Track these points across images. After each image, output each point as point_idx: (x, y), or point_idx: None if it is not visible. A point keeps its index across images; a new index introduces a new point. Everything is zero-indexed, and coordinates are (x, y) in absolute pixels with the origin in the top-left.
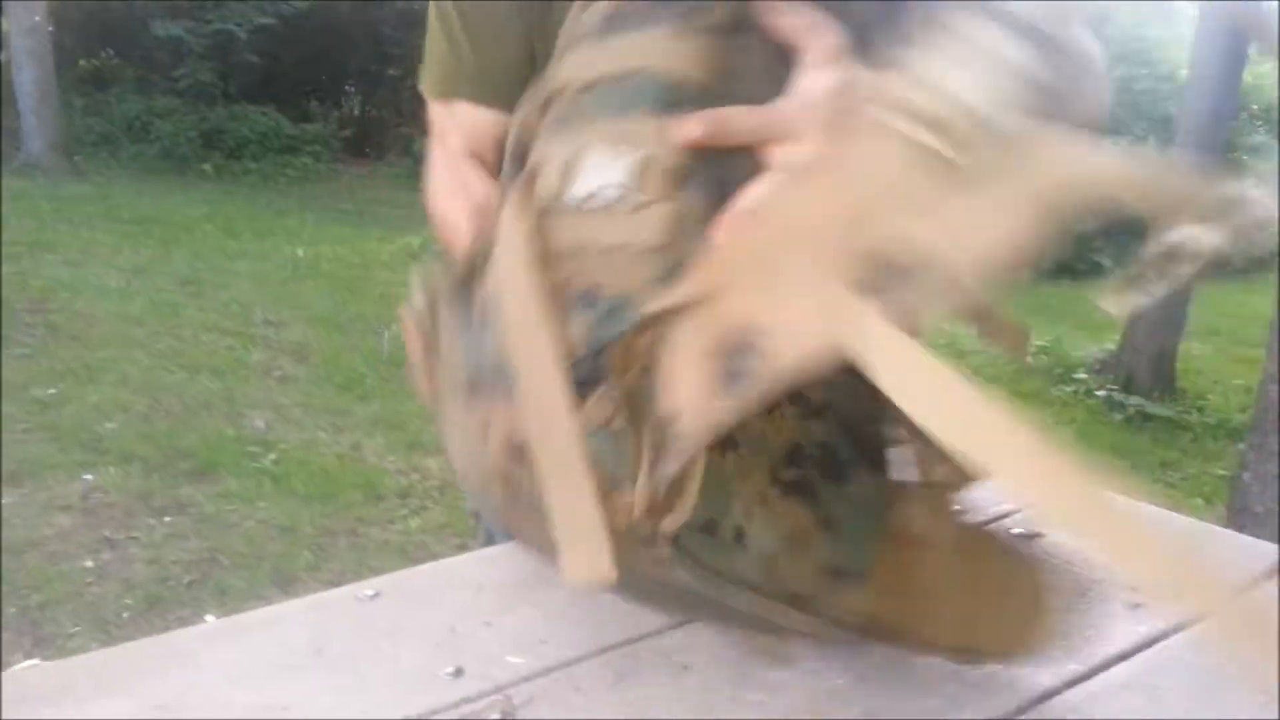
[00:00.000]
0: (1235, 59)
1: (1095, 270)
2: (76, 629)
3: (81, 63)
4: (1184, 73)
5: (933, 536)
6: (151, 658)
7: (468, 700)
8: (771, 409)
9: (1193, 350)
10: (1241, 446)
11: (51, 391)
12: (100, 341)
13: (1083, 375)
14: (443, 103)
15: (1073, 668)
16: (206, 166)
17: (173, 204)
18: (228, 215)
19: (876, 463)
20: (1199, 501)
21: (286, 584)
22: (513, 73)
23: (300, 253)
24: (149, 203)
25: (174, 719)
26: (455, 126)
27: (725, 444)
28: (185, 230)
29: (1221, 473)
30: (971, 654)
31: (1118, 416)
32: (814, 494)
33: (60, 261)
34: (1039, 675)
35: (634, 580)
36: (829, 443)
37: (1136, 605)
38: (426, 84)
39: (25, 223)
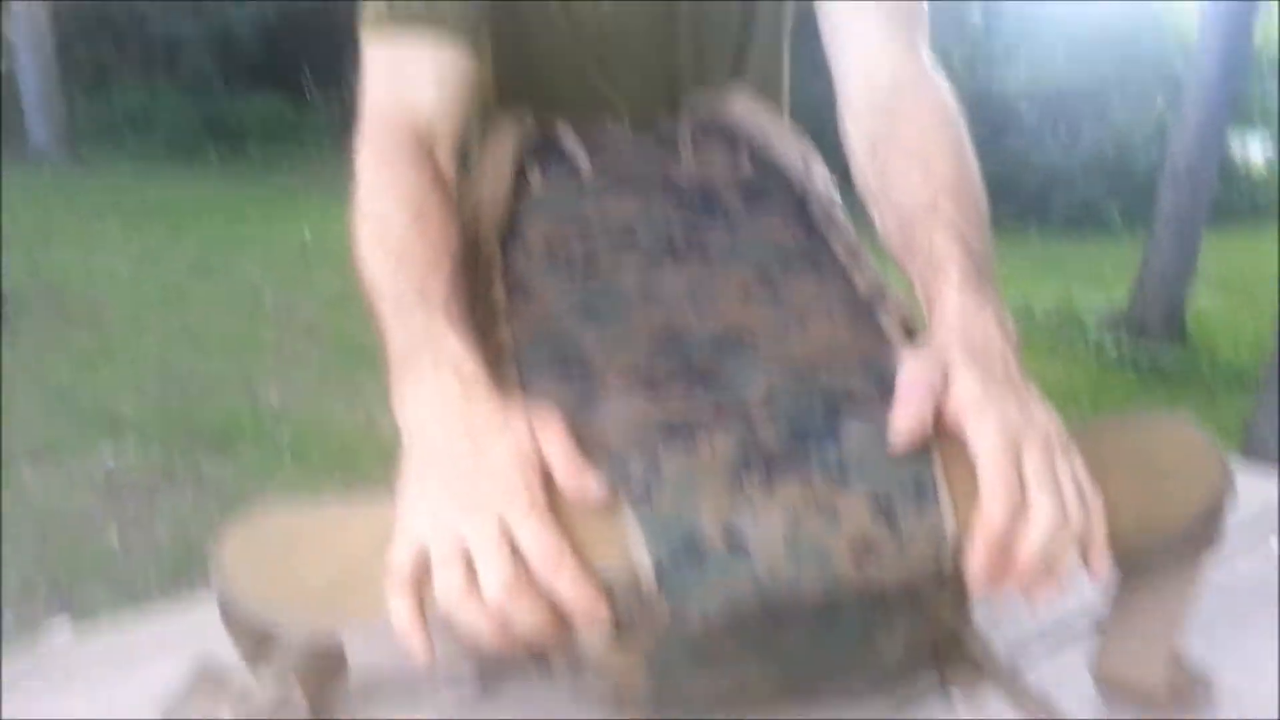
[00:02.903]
0: (1245, 16)
1: (1104, 227)
2: (106, 599)
3: (81, 56)
4: (1194, 34)
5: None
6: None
7: None
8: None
9: (1203, 301)
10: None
11: (67, 375)
12: (113, 327)
13: (1093, 330)
14: (403, 39)
15: None
16: (210, 154)
17: (178, 192)
18: (233, 201)
19: (867, 404)
20: None
21: None
22: (479, 13)
23: (307, 235)
24: (154, 191)
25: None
26: (414, 74)
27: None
28: (192, 217)
29: (1234, 422)
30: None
31: (1128, 370)
32: (801, 465)
33: (70, 251)
34: None
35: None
36: (792, 422)
37: None
38: (378, 17)
39: (34, 213)
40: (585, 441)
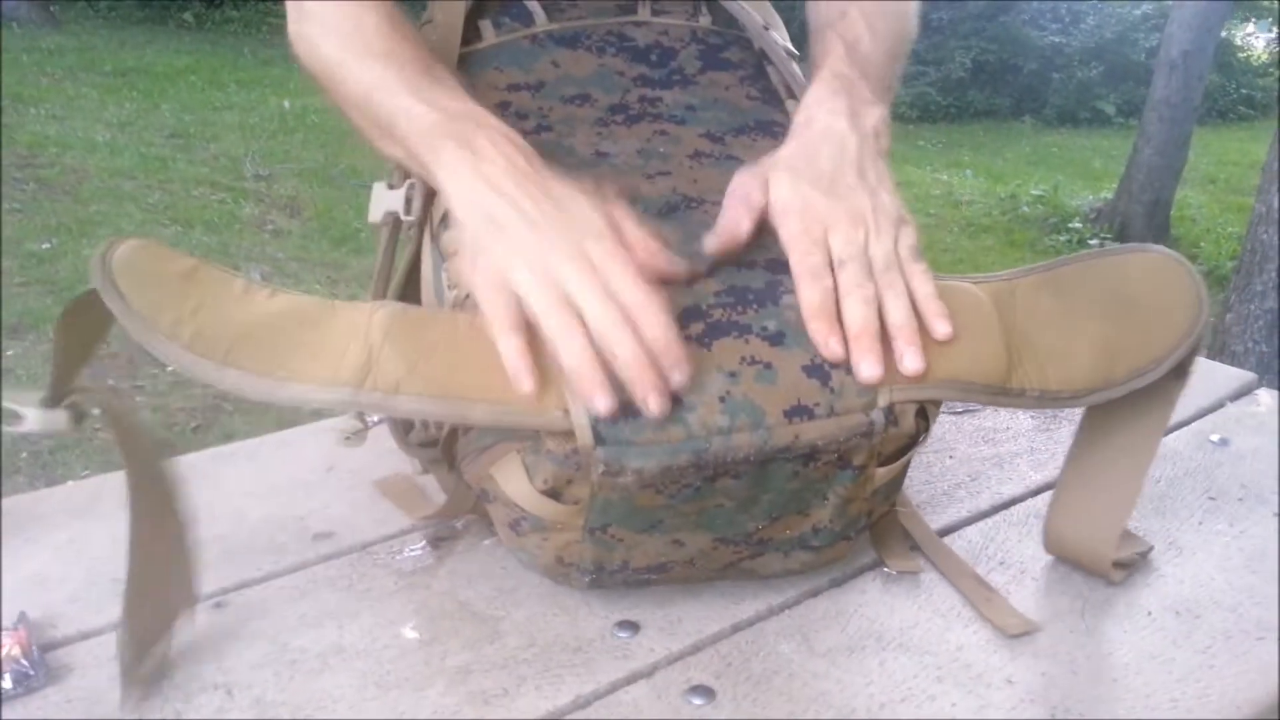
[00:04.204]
0: None
1: (1098, 118)
2: (86, 471)
3: None
4: None
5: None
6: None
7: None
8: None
9: (1189, 198)
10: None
11: (46, 246)
12: (92, 196)
13: (1078, 224)
14: None
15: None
16: (187, 16)
17: (155, 55)
18: (212, 66)
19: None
20: None
21: (289, 429)
22: None
23: (287, 104)
24: (131, 54)
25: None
26: None
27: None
28: (169, 82)
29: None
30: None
31: None
32: (740, 327)
33: (45, 115)
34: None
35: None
36: (734, 286)
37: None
38: None
39: (5, 75)
40: None
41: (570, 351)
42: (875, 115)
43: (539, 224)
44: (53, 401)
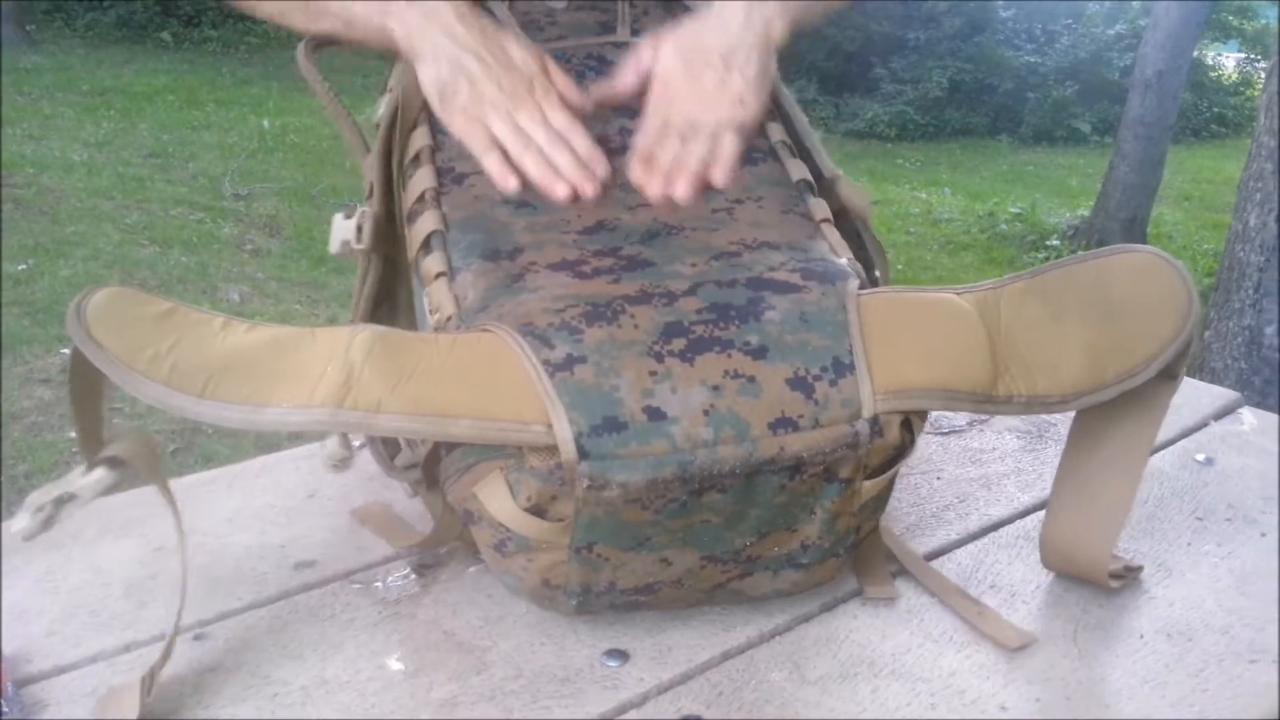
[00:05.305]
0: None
1: (1074, 137)
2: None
3: None
4: None
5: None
6: (152, 504)
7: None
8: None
9: (1165, 216)
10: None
11: (23, 267)
12: (69, 216)
13: (1055, 242)
14: None
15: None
16: (165, 35)
17: (133, 74)
18: (190, 85)
19: (790, 287)
20: None
21: (269, 452)
22: None
23: (266, 123)
24: (108, 74)
25: None
26: None
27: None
28: (147, 101)
29: None
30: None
31: None
32: (722, 342)
33: (21, 135)
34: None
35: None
36: (715, 303)
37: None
38: None
39: None
40: (510, 318)
41: (531, 163)
42: (770, 7)
43: (494, 71)
44: (91, 464)
